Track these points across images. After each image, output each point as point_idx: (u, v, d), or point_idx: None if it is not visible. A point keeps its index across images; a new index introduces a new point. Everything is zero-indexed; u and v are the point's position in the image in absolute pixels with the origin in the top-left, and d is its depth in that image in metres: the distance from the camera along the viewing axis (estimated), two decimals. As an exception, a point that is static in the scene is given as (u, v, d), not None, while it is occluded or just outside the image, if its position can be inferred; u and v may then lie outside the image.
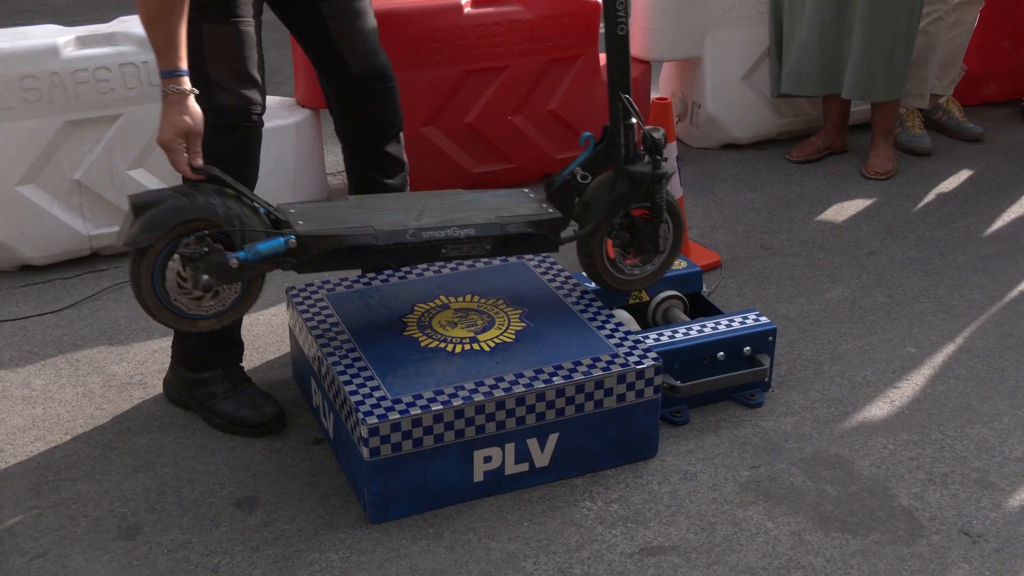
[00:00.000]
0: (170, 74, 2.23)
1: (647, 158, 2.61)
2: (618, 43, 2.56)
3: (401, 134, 2.88)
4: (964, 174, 4.19)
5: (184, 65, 2.23)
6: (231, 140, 2.50)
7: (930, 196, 4.00)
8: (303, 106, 3.84)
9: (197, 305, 2.35)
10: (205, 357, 2.67)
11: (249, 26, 2.50)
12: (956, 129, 4.53)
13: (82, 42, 3.41)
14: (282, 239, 2.35)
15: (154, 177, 3.50)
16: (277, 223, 2.41)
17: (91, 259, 3.51)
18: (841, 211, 3.88)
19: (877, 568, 2.20)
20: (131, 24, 3.45)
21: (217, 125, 2.41)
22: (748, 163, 4.29)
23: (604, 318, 2.65)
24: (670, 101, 3.26)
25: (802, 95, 4.15)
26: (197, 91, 2.26)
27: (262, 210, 2.40)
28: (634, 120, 2.58)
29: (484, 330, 2.60)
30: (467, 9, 3.81)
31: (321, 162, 3.93)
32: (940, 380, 2.86)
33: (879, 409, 2.74)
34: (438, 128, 3.87)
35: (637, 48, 4.23)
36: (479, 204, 2.62)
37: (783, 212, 3.87)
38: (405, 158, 2.91)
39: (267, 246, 2.33)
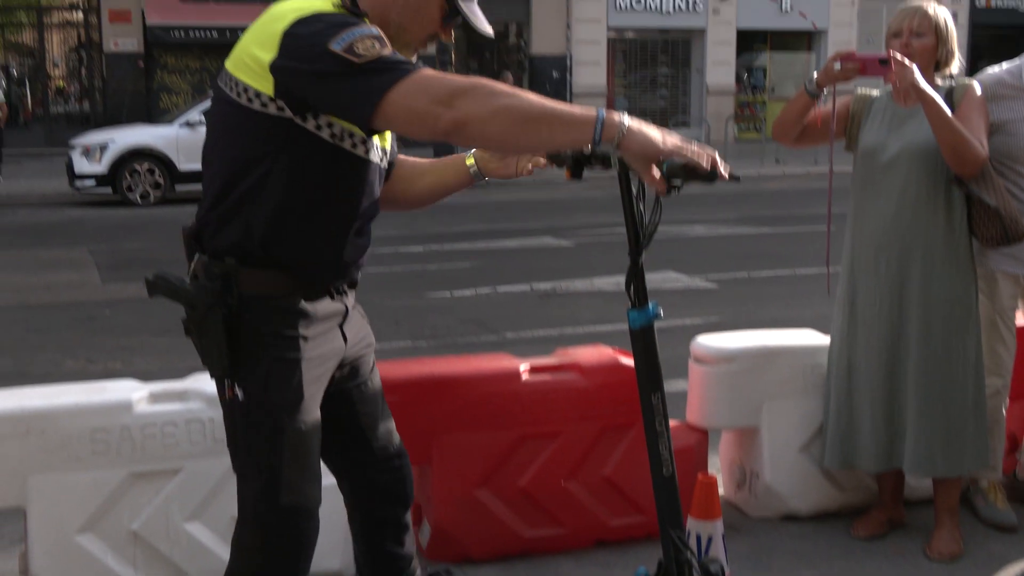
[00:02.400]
0: (599, 121, 2.26)
1: None
2: (664, 484, 2.66)
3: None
4: (1035, 559, 4.05)
5: (603, 105, 2.38)
6: (287, 541, 2.53)
7: (998, 582, 3.86)
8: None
9: None
10: None
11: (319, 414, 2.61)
12: None
13: (155, 398, 3.59)
14: None
15: (209, 530, 3.58)
16: None
17: (137, 611, 3.54)
18: (902, 594, 3.76)
19: None
20: (202, 381, 3.64)
21: (276, 525, 2.47)
22: (807, 536, 4.21)
23: None
24: (715, 479, 3.28)
25: (858, 469, 4.12)
26: (261, 483, 2.45)
27: None
28: (689, 556, 2.65)
29: None
30: (524, 376, 3.94)
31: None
32: None
33: None
34: (490, 491, 3.91)
35: (694, 416, 4.29)
36: None
37: (841, 593, 3.76)
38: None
39: None
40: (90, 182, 16.10)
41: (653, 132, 2.31)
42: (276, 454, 2.45)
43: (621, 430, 4.04)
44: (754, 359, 4.29)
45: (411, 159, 3.02)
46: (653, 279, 9.64)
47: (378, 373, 3.02)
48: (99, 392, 3.58)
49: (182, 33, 23.58)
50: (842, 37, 27.81)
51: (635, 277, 2.63)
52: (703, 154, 2.33)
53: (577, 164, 2.64)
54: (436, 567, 3.82)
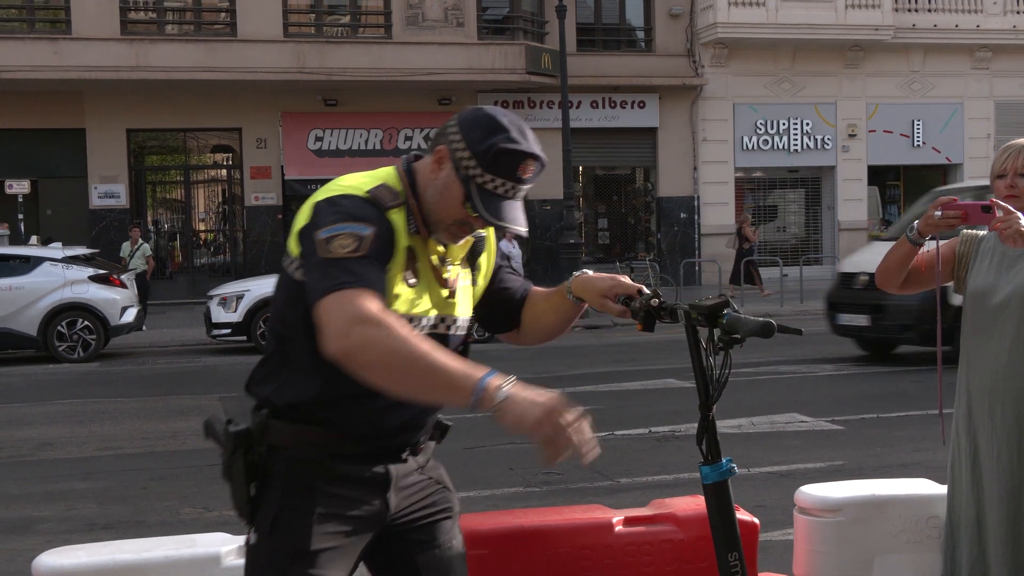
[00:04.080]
0: (481, 386, 2.26)
1: None
2: None
3: None
4: None
5: (484, 368, 2.30)
6: None
7: None
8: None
9: None
10: None
11: None
12: None
13: (243, 552, 3.60)
14: None
15: None
16: None
17: None
18: None
19: None
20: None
21: None
22: None
23: None
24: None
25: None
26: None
27: None
28: None
29: None
30: (618, 528, 3.83)
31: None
32: None
33: None
34: (583, 648, 3.77)
35: (800, 570, 4.10)
36: None
37: None
38: None
39: None
40: (226, 331, 16.64)
41: (532, 408, 2.26)
42: None
43: None
44: (863, 509, 4.10)
45: (538, 291, 2.99)
46: (778, 420, 9.51)
47: (460, 540, 2.95)
48: (189, 545, 3.61)
49: (317, 186, 24.45)
50: (978, 170, 27.30)
51: (706, 431, 2.56)
52: (579, 445, 2.30)
53: (648, 317, 2.64)
54: None
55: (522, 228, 2.55)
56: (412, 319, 2.53)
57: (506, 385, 2.27)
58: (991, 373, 3.86)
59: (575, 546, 3.80)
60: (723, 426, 9.28)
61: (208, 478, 7.86)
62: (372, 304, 2.31)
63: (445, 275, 2.65)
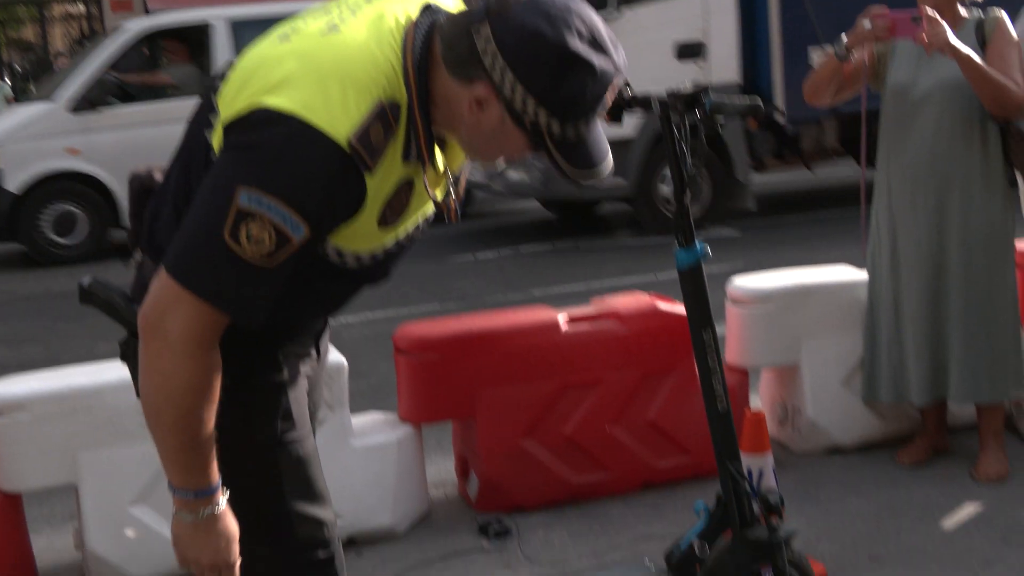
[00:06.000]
0: (205, 492, 1.90)
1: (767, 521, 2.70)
2: (719, 418, 2.67)
3: None
4: (1083, 474, 4.06)
5: (216, 479, 1.91)
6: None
7: (1048, 500, 3.86)
8: (405, 421, 3.94)
9: None
10: None
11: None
12: None
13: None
14: None
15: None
16: None
17: (195, 578, 3.56)
18: (953, 518, 3.76)
19: None
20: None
21: (300, 565, 2.11)
22: (853, 468, 4.22)
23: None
24: (763, 414, 3.29)
25: (904, 402, 4.13)
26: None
27: None
28: (746, 487, 2.66)
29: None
30: (563, 326, 3.94)
31: (422, 476, 3.99)
32: None
33: None
34: (537, 440, 3.93)
35: (733, 356, 4.29)
36: None
37: (891, 520, 3.77)
38: None
39: None
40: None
41: (204, 549, 1.92)
42: (273, 488, 2.08)
43: (662, 375, 4.04)
44: (791, 298, 4.28)
45: None
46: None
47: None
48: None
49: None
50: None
51: (681, 217, 2.63)
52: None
53: (616, 108, 2.60)
54: (487, 517, 3.85)
55: (608, 168, 1.90)
56: (374, 252, 2.01)
57: (216, 509, 1.91)
58: (912, 165, 4.01)
59: (523, 346, 3.91)
60: (626, 239, 9.52)
61: (117, 314, 7.74)
62: (213, 337, 1.85)
63: (437, 190, 2.04)
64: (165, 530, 3.45)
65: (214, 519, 1.91)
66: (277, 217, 1.77)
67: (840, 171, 11.24)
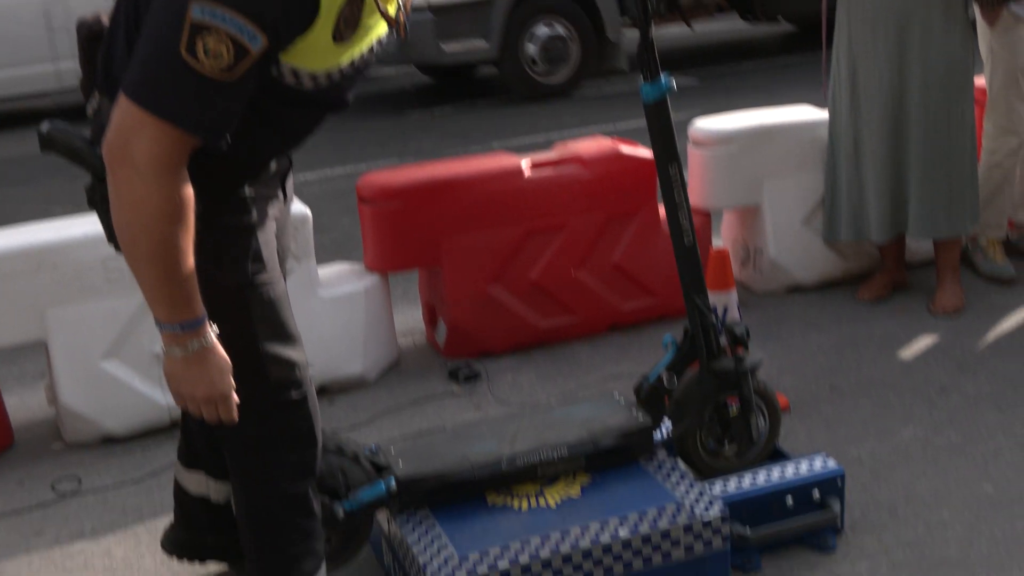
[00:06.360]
0: (191, 325, 1.90)
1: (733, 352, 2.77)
2: (686, 253, 2.68)
3: None
4: (1036, 306, 4.16)
5: (202, 311, 1.92)
6: (296, 417, 2.21)
7: (1001, 330, 3.96)
8: (372, 271, 3.95)
9: None
10: None
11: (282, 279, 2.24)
12: None
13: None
14: (383, 485, 2.50)
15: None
16: (378, 467, 2.55)
17: (170, 429, 3.60)
18: (910, 349, 3.86)
19: None
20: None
21: (274, 405, 2.15)
22: (814, 305, 4.30)
23: (670, 467, 2.66)
24: (727, 251, 3.33)
25: (864, 239, 4.20)
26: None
27: (367, 451, 2.56)
28: (712, 319, 2.70)
29: (550, 483, 2.62)
30: (527, 172, 3.94)
31: (391, 324, 4.03)
32: (1020, 518, 2.80)
33: (957, 550, 2.68)
34: (503, 286, 3.96)
35: (696, 198, 4.31)
36: (570, 419, 2.75)
37: (851, 353, 3.86)
38: None
39: (370, 494, 2.49)
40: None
41: (198, 383, 1.93)
42: (245, 329, 2.08)
43: (626, 218, 4.06)
44: (752, 138, 4.29)
45: None
46: (634, 81, 9.65)
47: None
48: (105, 220, 3.56)
49: None
50: None
51: (646, 50, 2.60)
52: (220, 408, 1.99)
53: None
54: (456, 363, 3.91)
55: None
56: (329, 72, 1.99)
57: (205, 341, 1.92)
58: (872, 3, 3.97)
59: (487, 192, 3.91)
60: (584, 90, 9.44)
61: (71, 177, 7.63)
62: (180, 160, 1.83)
63: (388, 4, 2.03)
64: (138, 384, 3.55)
65: (204, 352, 1.92)
66: (233, 28, 1.76)
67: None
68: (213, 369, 1.93)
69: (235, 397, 2.00)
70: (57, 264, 3.44)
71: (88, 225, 3.52)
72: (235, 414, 2.00)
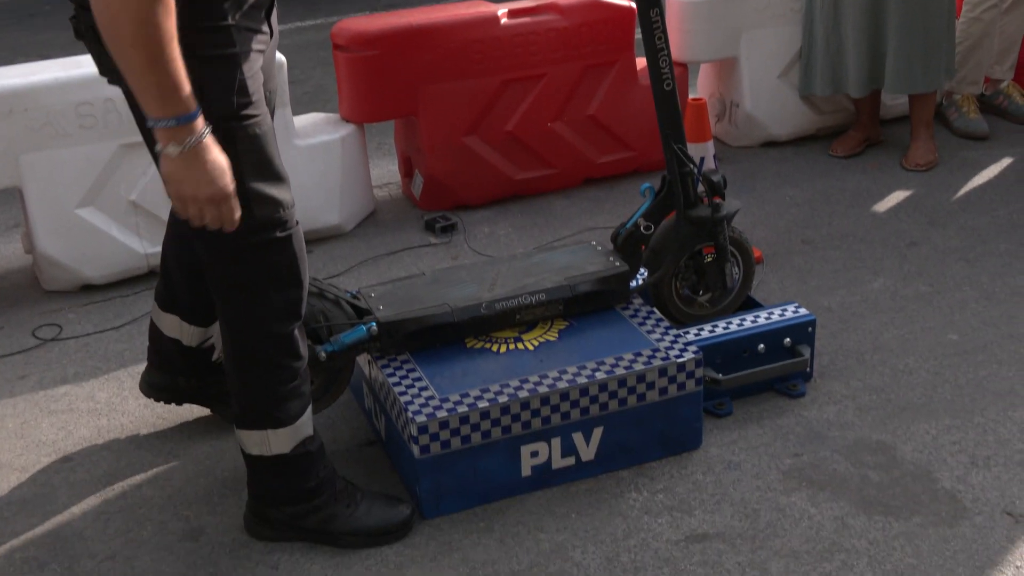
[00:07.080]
0: (185, 119, 1.85)
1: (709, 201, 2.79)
2: (666, 98, 2.67)
3: None
4: (1006, 161, 4.20)
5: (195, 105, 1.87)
6: (281, 256, 2.18)
7: (972, 185, 4.01)
8: (348, 121, 3.93)
9: None
10: (313, 487, 2.36)
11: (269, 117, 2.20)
12: (1016, 113, 4.56)
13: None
14: (364, 328, 2.53)
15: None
16: (359, 311, 2.57)
17: (148, 276, 3.62)
18: (882, 203, 3.91)
19: (920, 549, 2.24)
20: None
21: (260, 244, 2.13)
22: (788, 159, 4.32)
23: (645, 314, 2.72)
24: (705, 101, 3.33)
25: (840, 94, 4.20)
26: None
27: (348, 295, 2.57)
28: (690, 167, 2.70)
29: (528, 330, 2.67)
30: (504, 20, 3.89)
31: (367, 175, 4.02)
32: (982, 366, 2.89)
33: (921, 395, 2.77)
34: (479, 137, 3.95)
35: (673, 51, 4.26)
36: (549, 265, 2.77)
37: (824, 206, 3.91)
38: None
39: (351, 336, 2.52)
40: None
41: (200, 184, 1.90)
42: (232, 167, 2.00)
43: (604, 68, 4.04)
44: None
45: None
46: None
47: None
48: (77, 66, 3.50)
49: None
50: None
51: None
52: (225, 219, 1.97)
53: None
54: (432, 215, 3.92)
55: None
56: None
57: (202, 136, 1.87)
58: None
59: (464, 40, 3.86)
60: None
61: (33, 29, 7.47)
62: None
63: None
64: (115, 231, 3.54)
65: (201, 148, 1.88)
66: None
67: None
68: (212, 166, 1.90)
69: (235, 200, 1.96)
70: (28, 109, 3.39)
71: (58, 70, 3.46)
72: (238, 215, 1.98)
